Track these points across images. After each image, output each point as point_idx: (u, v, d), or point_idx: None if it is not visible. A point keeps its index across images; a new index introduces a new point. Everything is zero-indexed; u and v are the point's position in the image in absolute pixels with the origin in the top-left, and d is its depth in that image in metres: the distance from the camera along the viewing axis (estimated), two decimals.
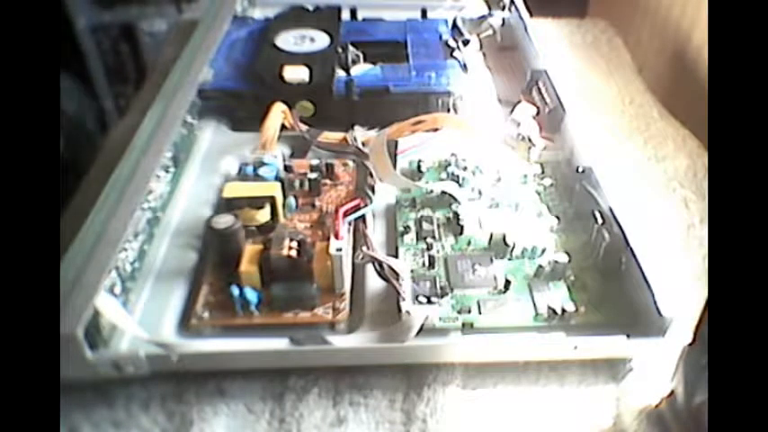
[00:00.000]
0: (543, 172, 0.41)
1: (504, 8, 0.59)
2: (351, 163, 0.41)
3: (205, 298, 0.32)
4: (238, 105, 0.46)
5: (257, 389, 0.29)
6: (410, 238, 0.36)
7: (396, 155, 0.40)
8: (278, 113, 0.42)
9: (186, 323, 0.31)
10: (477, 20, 0.57)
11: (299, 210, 0.38)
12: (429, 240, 0.35)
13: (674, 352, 0.28)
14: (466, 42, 0.53)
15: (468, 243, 0.36)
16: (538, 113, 0.44)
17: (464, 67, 0.48)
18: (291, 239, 0.32)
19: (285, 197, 0.37)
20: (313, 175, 0.39)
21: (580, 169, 0.38)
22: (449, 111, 0.45)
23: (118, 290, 0.30)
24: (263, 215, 0.35)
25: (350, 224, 0.36)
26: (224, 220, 0.32)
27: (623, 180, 0.41)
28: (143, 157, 0.36)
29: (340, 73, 0.47)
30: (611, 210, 0.34)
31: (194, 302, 0.32)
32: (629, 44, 0.65)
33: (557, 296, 0.32)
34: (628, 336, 0.29)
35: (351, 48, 0.49)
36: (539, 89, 0.47)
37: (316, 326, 0.31)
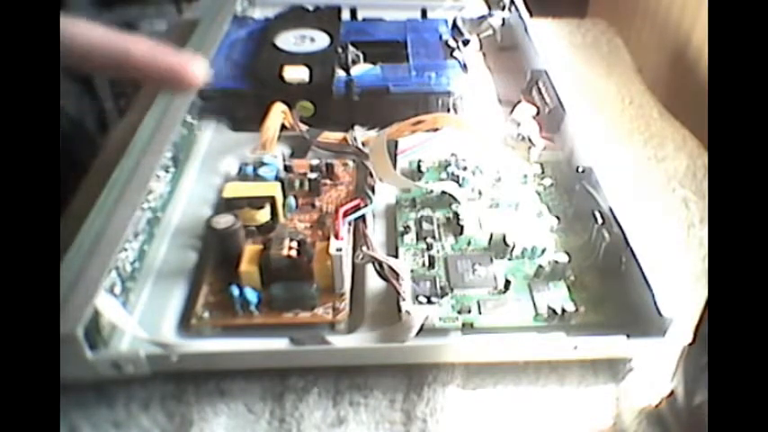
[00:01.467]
0: (543, 172, 0.41)
1: (504, 8, 0.59)
2: (351, 163, 0.41)
3: (205, 298, 0.32)
4: (238, 105, 0.46)
5: (257, 389, 0.29)
6: (410, 238, 0.36)
7: (396, 155, 0.40)
8: (278, 113, 0.42)
9: (186, 323, 0.31)
10: (477, 20, 0.57)
11: (299, 210, 0.38)
12: (429, 240, 0.35)
13: (674, 352, 0.28)
14: (466, 42, 0.53)
15: (468, 243, 0.36)
16: (538, 113, 0.44)
17: (464, 67, 0.48)
18: (291, 239, 0.32)
19: (285, 197, 0.37)
20: (313, 175, 0.39)
21: (580, 169, 0.38)
22: (449, 111, 0.45)
23: (118, 290, 0.30)
24: (263, 215, 0.35)
25: (350, 224, 0.36)
26: (224, 220, 0.32)
27: (623, 180, 0.41)
28: (143, 157, 0.36)
29: (340, 73, 0.47)
30: (611, 210, 0.34)
31: (194, 302, 0.32)
32: (629, 44, 0.65)
33: (557, 296, 0.32)
34: (628, 336, 0.29)
35: (351, 48, 0.49)
36: (539, 89, 0.47)
37: (316, 326, 0.31)
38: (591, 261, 0.34)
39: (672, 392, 0.28)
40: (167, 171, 0.38)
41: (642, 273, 0.31)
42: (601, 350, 0.30)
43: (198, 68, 0.26)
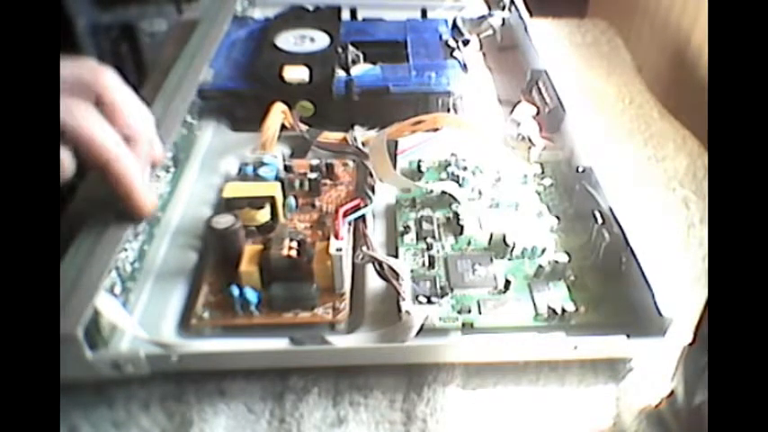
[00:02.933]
0: (543, 172, 0.41)
1: (504, 8, 0.59)
2: (351, 163, 0.41)
3: (205, 298, 0.32)
4: (238, 105, 0.46)
5: (257, 389, 0.29)
6: (410, 238, 0.36)
7: (396, 155, 0.40)
8: (278, 113, 0.42)
9: (186, 323, 0.31)
10: (477, 20, 0.57)
11: (299, 210, 0.38)
12: (429, 240, 0.35)
13: (674, 352, 0.28)
14: (466, 42, 0.53)
15: (468, 243, 0.36)
16: (538, 113, 0.44)
17: (464, 67, 0.48)
18: (291, 239, 0.32)
19: (285, 197, 0.37)
20: (313, 175, 0.39)
21: (580, 169, 0.38)
22: (449, 111, 0.45)
23: (118, 290, 0.30)
24: (263, 215, 0.35)
25: (350, 224, 0.36)
26: (224, 220, 0.32)
27: (623, 180, 0.41)
28: None
29: (340, 73, 0.47)
30: (611, 210, 0.34)
31: (194, 302, 0.32)
32: (629, 44, 0.65)
33: (557, 296, 0.32)
34: (628, 336, 0.29)
35: (351, 48, 0.49)
36: (539, 89, 0.47)
37: (316, 326, 0.31)
38: (591, 261, 0.34)
39: (672, 392, 0.28)
40: (167, 171, 0.38)
41: (642, 273, 0.31)
42: (601, 350, 0.30)
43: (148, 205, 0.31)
